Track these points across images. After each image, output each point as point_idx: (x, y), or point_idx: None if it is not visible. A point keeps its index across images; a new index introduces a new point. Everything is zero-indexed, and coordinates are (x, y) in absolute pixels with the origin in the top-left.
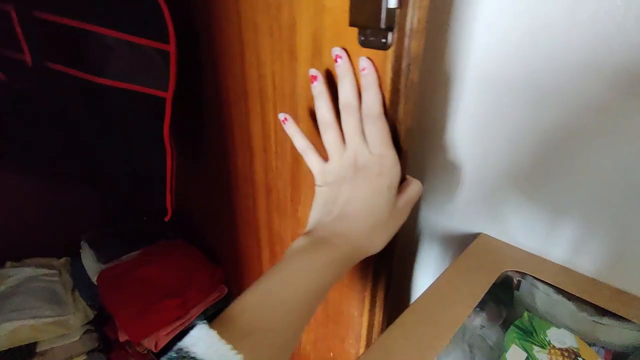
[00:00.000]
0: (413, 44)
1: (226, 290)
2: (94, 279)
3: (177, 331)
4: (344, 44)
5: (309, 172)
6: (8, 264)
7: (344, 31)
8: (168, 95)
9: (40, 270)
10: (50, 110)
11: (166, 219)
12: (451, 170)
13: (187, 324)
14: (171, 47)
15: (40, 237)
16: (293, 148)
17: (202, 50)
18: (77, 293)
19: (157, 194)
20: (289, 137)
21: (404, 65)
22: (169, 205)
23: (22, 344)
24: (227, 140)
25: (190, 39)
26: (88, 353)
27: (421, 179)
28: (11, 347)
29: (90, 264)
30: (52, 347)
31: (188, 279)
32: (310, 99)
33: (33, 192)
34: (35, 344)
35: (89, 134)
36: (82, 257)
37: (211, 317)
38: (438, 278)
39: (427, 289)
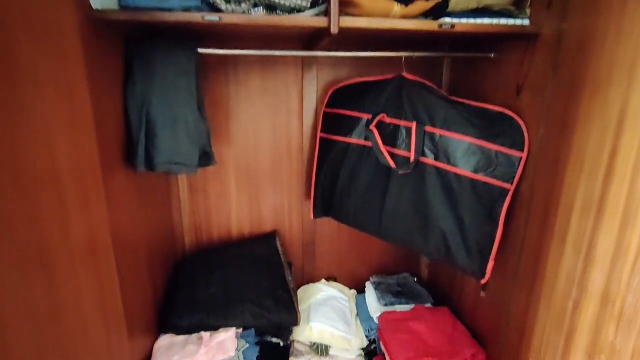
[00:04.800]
0: None
1: None
2: (374, 315)
3: None
4: None
5: None
6: (323, 280)
7: None
8: (512, 187)
9: (339, 293)
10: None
11: (483, 281)
12: None
13: None
14: (524, 155)
15: (350, 266)
16: None
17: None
18: (358, 321)
19: (479, 260)
20: None
21: None
22: (489, 270)
23: (323, 343)
24: (547, 237)
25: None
26: None
27: None
28: (317, 342)
29: (372, 302)
30: (338, 355)
31: (453, 347)
32: None
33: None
34: (329, 347)
35: (440, 206)
36: (366, 293)
37: None
38: None
39: None
